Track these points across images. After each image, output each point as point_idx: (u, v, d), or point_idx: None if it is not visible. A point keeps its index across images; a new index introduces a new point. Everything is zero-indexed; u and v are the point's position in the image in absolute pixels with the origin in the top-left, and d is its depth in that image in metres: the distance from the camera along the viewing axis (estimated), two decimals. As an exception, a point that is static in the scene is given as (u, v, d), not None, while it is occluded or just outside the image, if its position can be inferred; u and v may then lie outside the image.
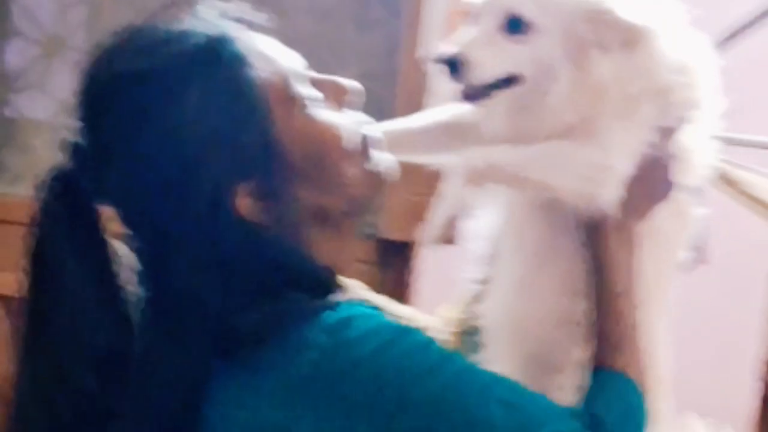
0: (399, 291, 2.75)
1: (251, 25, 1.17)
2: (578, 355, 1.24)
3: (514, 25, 1.18)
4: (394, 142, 1.27)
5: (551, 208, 1.25)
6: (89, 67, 1.14)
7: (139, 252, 1.15)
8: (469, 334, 1.39)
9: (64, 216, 1.12)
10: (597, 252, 1.23)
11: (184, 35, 1.11)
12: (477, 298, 1.38)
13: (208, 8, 1.16)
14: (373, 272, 2.73)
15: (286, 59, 1.17)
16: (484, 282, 1.36)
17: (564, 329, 1.27)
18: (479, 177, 1.19)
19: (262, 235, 1.12)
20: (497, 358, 1.29)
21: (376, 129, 1.23)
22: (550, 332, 1.28)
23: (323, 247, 1.17)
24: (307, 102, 1.15)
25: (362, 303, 1.13)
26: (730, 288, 2.78)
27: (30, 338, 1.13)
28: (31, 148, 2.94)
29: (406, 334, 1.09)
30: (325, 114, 1.17)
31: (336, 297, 1.12)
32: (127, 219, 1.14)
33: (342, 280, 1.23)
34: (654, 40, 1.18)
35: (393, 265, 2.78)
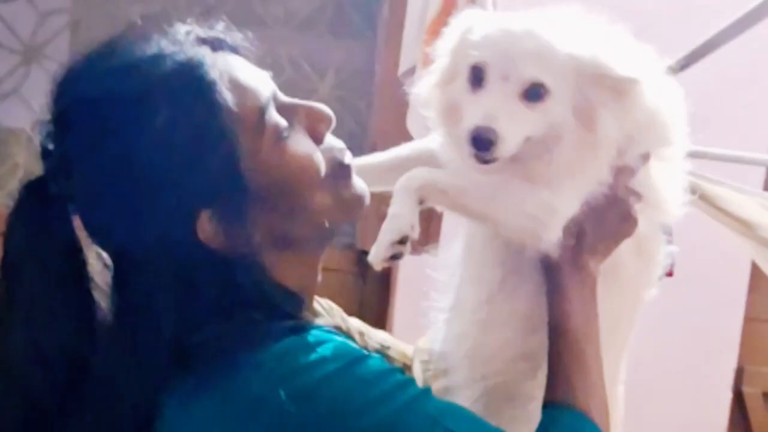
0: (379, 302, 2.76)
1: (226, 46, 1.16)
2: (533, 388, 1.23)
3: (535, 93, 1.16)
4: (368, 176, 1.27)
5: (511, 250, 1.24)
6: (61, 81, 1.13)
7: (112, 260, 1.16)
8: (436, 363, 1.37)
9: (33, 221, 1.13)
10: (552, 287, 1.22)
11: (155, 59, 1.10)
12: (441, 327, 1.37)
13: (183, 27, 1.15)
14: (352, 282, 2.73)
15: (259, 85, 1.14)
16: (448, 310, 1.35)
17: (520, 361, 1.26)
18: (420, 193, 1.18)
19: (222, 257, 1.10)
20: (457, 387, 1.30)
21: (348, 156, 1.21)
22: (506, 363, 1.27)
23: (287, 271, 1.16)
24: (277, 131, 1.13)
25: (322, 328, 1.11)
26: (706, 299, 2.79)
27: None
28: (10, 156, 2.93)
29: (359, 361, 1.06)
30: (296, 143, 1.15)
31: (296, 320, 1.11)
32: (91, 231, 1.14)
33: (314, 303, 1.23)
34: (641, 88, 1.18)
35: (372, 276, 2.77)
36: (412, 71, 2.14)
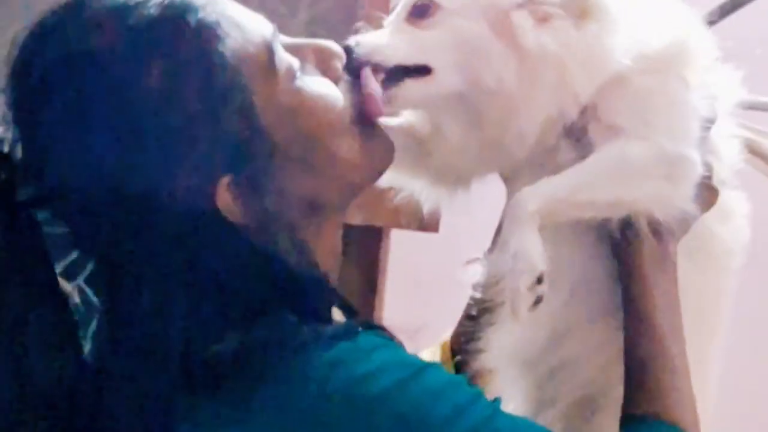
0: (364, 285, 2.64)
1: None
2: (614, 396, 1.20)
3: (420, 11, 1.23)
4: None
5: (581, 233, 1.24)
6: (21, 50, 1.04)
7: (92, 277, 1.10)
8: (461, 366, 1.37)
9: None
10: (629, 278, 1.20)
11: (137, 4, 1.02)
12: (478, 327, 1.35)
13: None
14: None
15: (259, 23, 1.09)
16: (486, 310, 1.33)
17: (599, 367, 1.25)
18: (546, 216, 1.17)
19: (244, 239, 1.05)
20: (508, 395, 1.27)
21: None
22: (584, 370, 1.26)
23: (319, 247, 1.12)
24: (290, 72, 1.09)
25: (373, 330, 1.06)
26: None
27: None
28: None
29: (426, 369, 1.03)
30: (313, 83, 1.11)
31: (337, 322, 1.07)
32: (75, 234, 1.07)
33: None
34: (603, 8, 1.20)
35: (356, 255, 2.63)
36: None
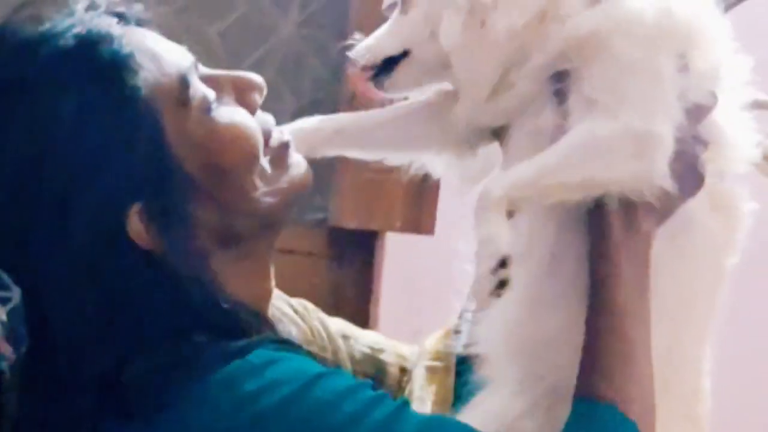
0: (358, 291, 2.66)
1: (133, 20, 1.15)
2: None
3: (403, 2, 1.30)
4: (348, 138, 1.35)
5: (561, 214, 1.23)
6: None
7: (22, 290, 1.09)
8: (448, 366, 1.36)
9: None
10: (596, 251, 1.18)
11: (51, 36, 1.08)
12: (468, 321, 1.35)
13: (82, 3, 1.13)
14: (325, 268, 2.63)
15: (176, 55, 1.14)
16: (477, 307, 1.30)
17: (575, 349, 1.19)
18: (513, 201, 1.18)
19: (157, 265, 1.08)
20: (502, 397, 1.24)
21: (286, 132, 1.23)
22: (560, 351, 1.21)
23: (236, 278, 1.14)
24: (204, 103, 1.13)
25: (269, 345, 1.08)
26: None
27: None
28: None
29: (318, 380, 1.04)
30: (228, 113, 1.15)
31: (246, 340, 1.07)
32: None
33: (285, 305, 1.24)
34: None
35: (349, 260, 2.66)
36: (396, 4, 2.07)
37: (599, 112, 1.17)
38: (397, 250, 2.54)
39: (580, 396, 1.11)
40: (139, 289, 1.08)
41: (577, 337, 1.18)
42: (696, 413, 1.26)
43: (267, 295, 1.20)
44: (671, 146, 1.17)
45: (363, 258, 2.62)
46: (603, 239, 1.16)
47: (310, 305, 1.38)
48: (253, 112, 1.18)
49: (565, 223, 1.21)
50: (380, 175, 2.39)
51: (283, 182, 1.18)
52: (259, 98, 1.19)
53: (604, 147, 1.17)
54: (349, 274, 2.66)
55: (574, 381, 1.15)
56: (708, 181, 1.22)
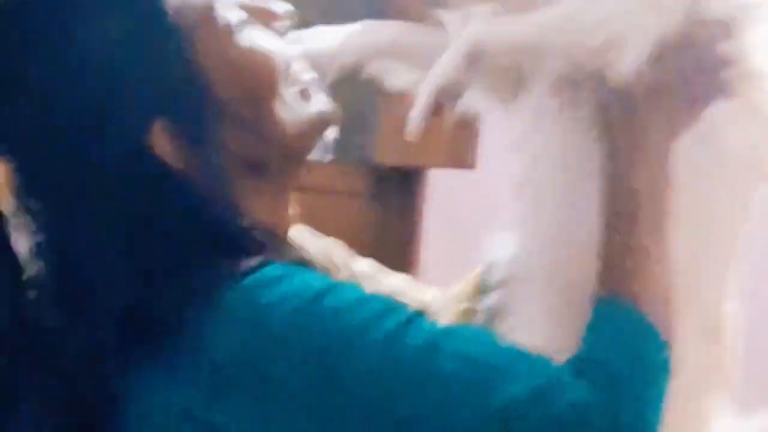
0: (400, 229, 2.70)
1: None
2: None
3: None
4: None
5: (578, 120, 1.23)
6: None
7: (36, 217, 1.15)
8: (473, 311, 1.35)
9: None
10: (609, 168, 1.18)
11: None
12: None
13: None
14: (367, 207, 2.65)
15: None
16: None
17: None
18: (480, 53, 1.18)
19: (181, 184, 1.12)
20: (527, 303, 1.26)
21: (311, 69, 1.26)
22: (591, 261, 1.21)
23: (254, 204, 1.17)
24: (235, 27, 1.17)
25: (290, 262, 1.12)
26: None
27: None
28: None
29: (329, 292, 1.07)
30: (254, 37, 1.19)
31: (260, 258, 1.10)
32: (20, 174, 1.15)
33: (311, 244, 1.29)
34: None
35: (392, 198, 2.69)
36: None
37: None
38: (439, 187, 2.58)
39: (603, 298, 1.12)
40: (161, 207, 1.12)
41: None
42: (718, 330, 1.26)
43: (284, 225, 1.24)
44: (650, 39, 1.15)
45: (405, 195, 2.65)
46: (612, 144, 1.17)
47: (337, 244, 1.41)
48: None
49: (580, 133, 1.22)
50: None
51: (306, 114, 1.22)
52: (284, 26, 1.23)
53: (585, 23, 1.17)
54: (391, 211, 2.68)
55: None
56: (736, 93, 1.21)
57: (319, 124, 1.24)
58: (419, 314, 1.09)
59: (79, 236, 1.12)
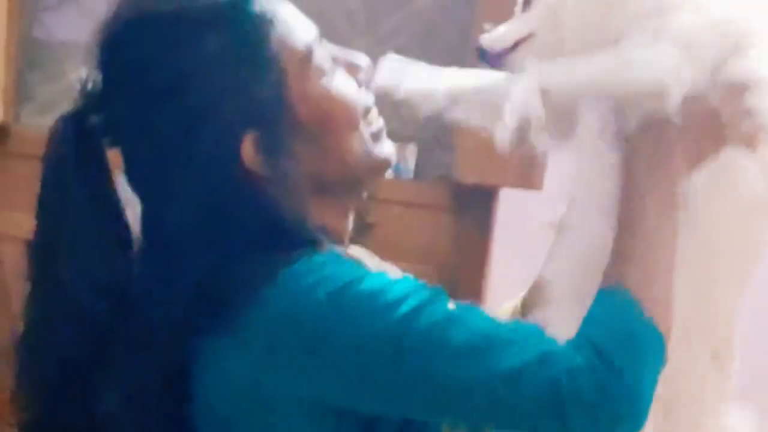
0: (477, 241, 2.78)
1: None
2: None
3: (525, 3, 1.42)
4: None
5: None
6: (117, 4, 1.31)
7: (141, 197, 1.33)
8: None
9: (71, 154, 1.30)
10: (625, 188, 1.29)
11: None
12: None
13: None
14: (447, 220, 2.72)
15: (306, 26, 1.35)
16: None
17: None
18: (545, 93, 1.29)
19: (261, 188, 1.28)
20: (557, 323, 1.32)
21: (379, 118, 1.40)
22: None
23: (320, 214, 1.33)
24: (322, 68, 1.34)
25: (329, 252, 1.27)
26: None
27: (37, 271, 1.33)
28: (62, 73, 2.96)
29: (362, 278, 1.22)
30: (340, 82, 1.36)
31: (311, 249, 1.26)
32: (129, 162, 1.32)
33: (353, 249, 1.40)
34: None
35: (470, 212, 2.79)
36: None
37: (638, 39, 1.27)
38: (513, 204, 2.70)
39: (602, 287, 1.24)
40: (241, 205, 1.27)
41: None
42: (724, 358, 1.33)
43: (341, 232, 1.39)
44: (687, 84, 1.24)
45: (482, 210, 2.76)
46: (630, 166, 1.28)
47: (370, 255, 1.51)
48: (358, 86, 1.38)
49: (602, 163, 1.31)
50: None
51: (375, 153, 1.38)
52: (365, 79, 1.39)
53: (636, 64, 1.26)
54: (469, 224, 2.77)
55: None
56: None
57: (384, 164, 1.40)
58: (441, 295, 1.23)
59: (169, 219, 1.28)
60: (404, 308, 1.20)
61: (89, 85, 1.32)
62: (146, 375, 1.28)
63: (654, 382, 1.19)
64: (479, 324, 1.20)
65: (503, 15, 1.42)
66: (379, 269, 1.35)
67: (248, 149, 1.27)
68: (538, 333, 1.21)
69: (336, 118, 1.34)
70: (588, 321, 1.21)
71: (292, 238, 1.27)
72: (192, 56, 1.27)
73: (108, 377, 1.30)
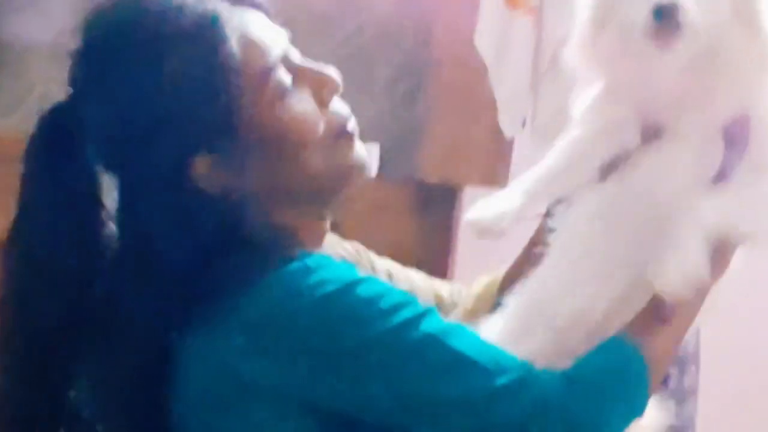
0: (441, 241, 2.80)
1: (248, 1, 1.36)
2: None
3: None
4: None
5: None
6: (91, 17, 1.33)
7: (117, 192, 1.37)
8: (484, 311, 1.47)
9: (50, 147, 1.33)
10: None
11: (177, 10, 1.31)
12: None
13: None
14: (411, 219, 2.76)
15: (270, 43, 1.35)
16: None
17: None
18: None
19: (217, 201, 1.31)
20: (522, 336, 1.35)
21: (353, 123, 1.39)
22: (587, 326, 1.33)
23: (292, 220, 1.35)
24: (279, 89, 1.34)
25: (324, 255, 1.30)
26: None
27: (9, 259, 1.34)
28: (26, 75, 2.98)
29: (359, 283, 1.25)
30: (297, 102, 1.35)
31: (299, 250, 1.29)
32: (102, 160, 1.35)
33: (339, 248, 1.44)
34: None
35: (434, 212, 2.80)
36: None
37: None
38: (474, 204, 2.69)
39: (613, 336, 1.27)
40: (200, 214, 1.29)
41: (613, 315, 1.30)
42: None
43: (319, 237, 1.40)
44: None
45: (446, 210, 2.75)
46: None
47: (361, 247, 1.55)
48: (323, 104, 1.36)
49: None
50: (462, 132, 2.40)
51: (343, 162, 1.37)
52: (330, 94, 1.37)
53: None
54: (433, 224, 2.78)
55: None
56: None
57: (354, 171, 1.38)
58: (431, 311, 1.25)
59: (142, 218, 1.31)
60: (397, 318, 1.22)
61: (64, 88, 1.35)
62: (121, 369, 1.30)
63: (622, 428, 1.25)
64: (467, 344, 1.23)
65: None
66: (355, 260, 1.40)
67: (201, 168, 1.30)
68: (522, 362, 1.24)
69: (291, 138, 1.34)
70: (585, 362, 1.25)
71: (254, 246, 1.29)
72: (148, 76, 1.30)
73: (80, 368, 1.33)
